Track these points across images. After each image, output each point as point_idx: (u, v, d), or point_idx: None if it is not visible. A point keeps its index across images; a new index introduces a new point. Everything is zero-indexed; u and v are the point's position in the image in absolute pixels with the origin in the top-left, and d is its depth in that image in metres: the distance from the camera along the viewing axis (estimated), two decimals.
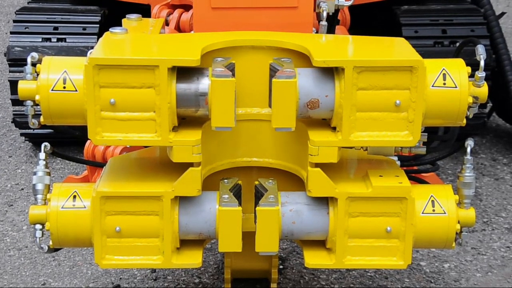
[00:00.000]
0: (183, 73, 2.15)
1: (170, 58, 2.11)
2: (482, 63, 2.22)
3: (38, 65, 2.22)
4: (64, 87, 2.18)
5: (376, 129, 2.18)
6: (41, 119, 2.23)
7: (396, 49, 2.33)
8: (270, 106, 2.22)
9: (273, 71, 2.19)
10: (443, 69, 2.22)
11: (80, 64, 2.16)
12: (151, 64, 2.09)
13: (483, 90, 2.23)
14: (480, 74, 2.22)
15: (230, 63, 2.19)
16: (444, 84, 2.21)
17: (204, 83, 2.15)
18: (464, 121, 2.26)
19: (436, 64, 2.23)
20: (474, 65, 2.26)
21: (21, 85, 2.22)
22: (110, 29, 2.38)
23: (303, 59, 2.25)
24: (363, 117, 2.17)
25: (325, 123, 2.26)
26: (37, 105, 2.22)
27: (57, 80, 2.18)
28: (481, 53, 2.24)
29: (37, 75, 2.21)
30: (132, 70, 2.10)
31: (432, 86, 2.20)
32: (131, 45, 2.33)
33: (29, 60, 2.22)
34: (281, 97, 2.12)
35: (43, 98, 2.18)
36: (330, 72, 2.18)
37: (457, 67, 2.24)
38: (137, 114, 2.14)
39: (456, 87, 2.21)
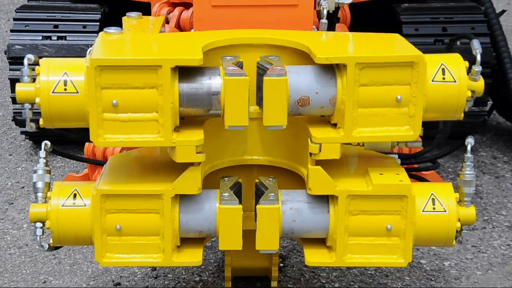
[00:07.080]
0: (186, 72, 2.14)
1: (173, 58, 2.09)
2: (478, 57, 2.25)
3: (37, 67, 2.18)
4: (65, 89, 2.13)
5: (377, 125, 2.19)
6: (41, 122, 2.18)
7: (395, 45, 2.33)
8: (257, 104, 2.22)
9: (261, 69, 2.18)
10: (442, 64, 2.24)
11: (80, 65, 2.14)
12: (154, 64, 2.07)
13: (480, 84, 2.26)
14: (477, 68, 2.25)
15: (238, 61, 2.19)
16: (444, 78, 2.23)
17: (217, 82, 2.13)
18: (462, 115, 2.28)
19: (434, 59, 2.24)
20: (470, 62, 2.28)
21: (19, 87, 2.17)
22: (104, 29, 2.35)
23: (303, 56, 2.25)
24: (365, 113, 2.17)
25: (325, 120, 2.26)
26: (35, 107, 2.17)
27: (57, 82, 2.14)
28: (476, 47, 2.28)
29: (35, 77, 2.17)
30: (134, 70, 2.08)
31: (432, 81, 2.22)
32: (131, 45, 2.31)
33: (25, 62, 2.18)
34: (272, 95, 2.11)
35: (44, 100, 2.14)
36: (321, 69, 2.18)
37: (455, 62, 2.26)
38: (139, 115, 2.12)
39: (455, 81, 2.23)
